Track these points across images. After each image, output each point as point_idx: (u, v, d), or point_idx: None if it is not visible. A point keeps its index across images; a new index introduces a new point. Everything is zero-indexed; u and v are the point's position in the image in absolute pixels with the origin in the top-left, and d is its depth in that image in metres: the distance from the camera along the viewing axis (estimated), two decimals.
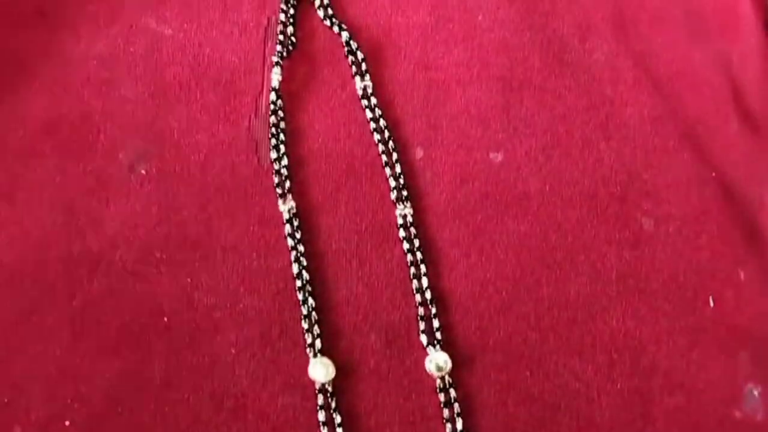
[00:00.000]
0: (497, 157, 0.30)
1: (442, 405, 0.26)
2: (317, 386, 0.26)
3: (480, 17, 0.33)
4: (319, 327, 0.27)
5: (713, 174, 0.31)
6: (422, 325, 0.27)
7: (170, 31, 0.31)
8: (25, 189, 0.27)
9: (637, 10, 0.34)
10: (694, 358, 0.28)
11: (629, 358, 0.28)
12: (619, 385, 0.28)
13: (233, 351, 0.26)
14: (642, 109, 0.32)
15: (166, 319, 0.26)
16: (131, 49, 0.30)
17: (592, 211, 0.30)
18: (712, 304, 0.29)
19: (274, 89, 0.30)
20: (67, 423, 0.24)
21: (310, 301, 0.27)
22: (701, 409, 0.27)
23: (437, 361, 0.27)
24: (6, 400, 0.24)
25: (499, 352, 0.27)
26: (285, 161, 0.29)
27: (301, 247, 0.28)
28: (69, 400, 0.24)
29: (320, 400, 0.26)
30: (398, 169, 0.29)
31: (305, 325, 0.26)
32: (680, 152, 0.31)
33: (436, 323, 0.27)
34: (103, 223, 0.27)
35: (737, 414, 0.28)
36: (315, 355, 0.26)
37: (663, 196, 0.30)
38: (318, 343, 0.26)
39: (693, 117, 0.32)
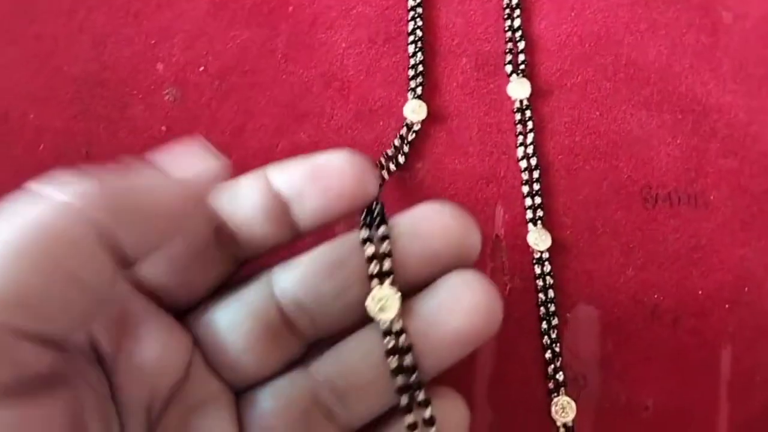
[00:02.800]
0: None
1: (516, 123, 0.30)
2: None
3: None
4: (420, 44, 0.30)
5: None
6: (509, 58, 0.31)
7: None
8: None
9: None
10: (752, 132, 0.31)
11: (692, 121, 0.31)
12: (679, 141, 0.30)
13: (344, 45, 0.30)
14: None
15: (291, 8, 0.30)
16: None
17: None
18: None
19: None
20: (201, 69, 0.29)
21: (417, 21, 0.30)
22: (752, 174, 0.30)
23: (518, 86, 0.30)
24: (153, 42, 0.29)
25: (575, 93, 0.31)
26: None
27: None
28: (205, 53, 0.29)
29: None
30: None
31: (410, 38, 0.30)
32: None
33: (521, 58, 0.31)
34: None
35: None
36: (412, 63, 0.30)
37: None
38: (419, 56, 0.30)
39: None
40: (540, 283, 0.28)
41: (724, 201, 0.30)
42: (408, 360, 0.21)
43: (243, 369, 0.22)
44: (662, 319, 0.28)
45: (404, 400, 0.21)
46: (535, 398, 0.27)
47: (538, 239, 0.28)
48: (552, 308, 0.27)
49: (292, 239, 0.23)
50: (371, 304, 0.21)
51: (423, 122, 0.29)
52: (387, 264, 0.21)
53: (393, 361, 0.21)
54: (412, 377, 0.21)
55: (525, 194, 0.29)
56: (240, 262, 0.23)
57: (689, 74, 0.31)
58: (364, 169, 0.22)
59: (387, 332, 0.21)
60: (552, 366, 0.27)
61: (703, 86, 0.31)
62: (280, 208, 0.22)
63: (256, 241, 0.22)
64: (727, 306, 0.28)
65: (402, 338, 0.21)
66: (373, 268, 0.21)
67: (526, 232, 0.29)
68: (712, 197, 0.30)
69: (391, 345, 0.21)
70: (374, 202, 0.22)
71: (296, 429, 0.21)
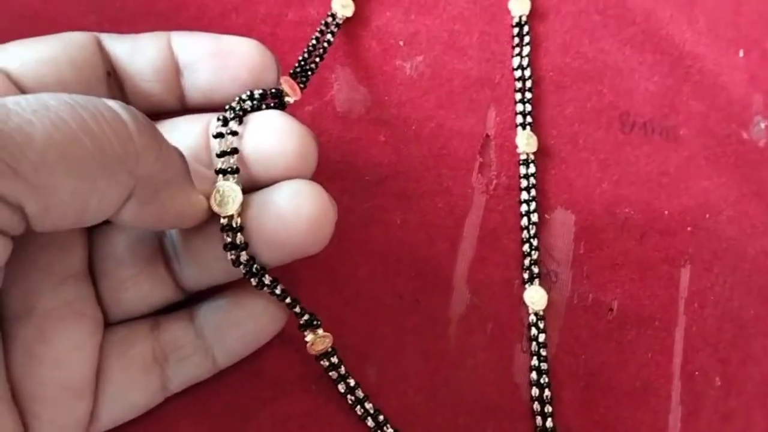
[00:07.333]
0: None
1: (514, 36, 0.31)
2: None
3: None
4: None
5: None
6: None
7: None
8: None
9: None
10: (720, 81, 0.33)
11: (669, 63, 0.33)
12: (656, 78, 0.33)
13: None
14: None
15: None
16: None
17: None
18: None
19: None
20: None
21: None
22: (717, 119, 0.32)
23: (518, 3, 0.31)
24: None
25: (569, 19, 0.32)
26: None
27: None
28: None
29: None
30: None
31: None
32: None
33: None
34: None
35: (744, 135, 0.33)
36: None
37: None
38: None
39: None
40: (524, 182, 0.29)
41: (693, 138, 0.32)
42: (244, 255, 0.21)
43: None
44: (631, 232, 0.30)
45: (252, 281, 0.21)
46: (510, 286, 0.28)
47: (526, 142, 0.29)
48: (533, 207, 0.29)
49: (178, 109, 0.23)
50: (213, 197, 0.21)
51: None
52: (232, 161, 0.21)
53: (231, 255, 0.21)
54: (252, 266, 0.21)
55: (516, 101, 0.30)
56: None
57: (670, 22, 0.33)
58: (268, 63, 0.23)
59: (225, 227, 0.21)
60: (528, 259, 0.28)
61: (681, 35, 0.33)
62: (173, 70, 0.22)
63: (141, 96, 0.22)
64: (689, 229, 0.30)
65: (240, 235, 0.21)
66: (220, 163, 0.21)
67: (515, 135, 0.30)
68: (681, 133, 0.32)
69: (228, 240, 0.21)
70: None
71: (142, 267, 0.22)
